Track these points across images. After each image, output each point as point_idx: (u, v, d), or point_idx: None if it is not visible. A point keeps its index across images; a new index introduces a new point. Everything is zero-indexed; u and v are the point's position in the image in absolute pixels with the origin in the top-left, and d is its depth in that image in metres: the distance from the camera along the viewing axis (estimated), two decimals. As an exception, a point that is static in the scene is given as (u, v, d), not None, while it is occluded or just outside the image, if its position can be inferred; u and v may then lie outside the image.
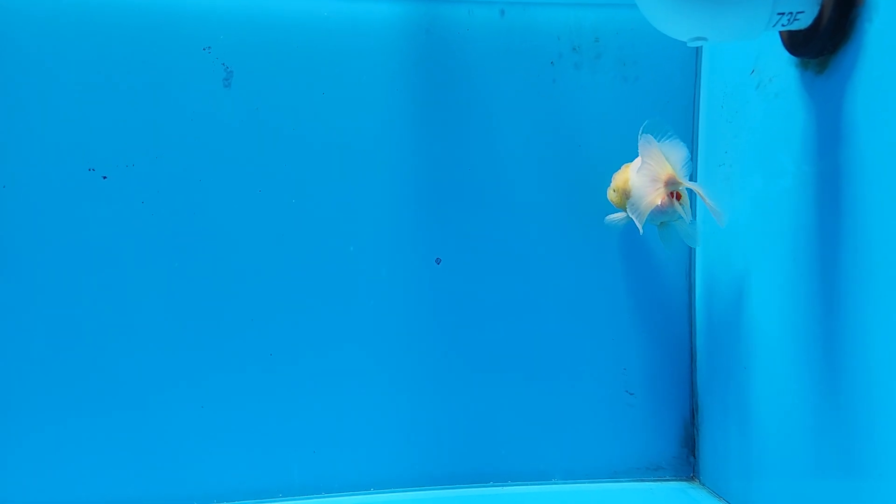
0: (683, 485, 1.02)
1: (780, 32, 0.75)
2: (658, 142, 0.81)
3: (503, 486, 1.02)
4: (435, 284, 1.01)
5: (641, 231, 0.85)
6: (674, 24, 0.69)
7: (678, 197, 0.81)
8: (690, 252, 1.03)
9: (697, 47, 1.00)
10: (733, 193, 0.91)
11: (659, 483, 1.03)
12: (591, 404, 1.02)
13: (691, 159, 0.84)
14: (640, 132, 0.81)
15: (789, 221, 0.77)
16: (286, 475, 1.00)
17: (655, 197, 0.81)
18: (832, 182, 0.69)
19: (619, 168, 0.93)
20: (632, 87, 1.02)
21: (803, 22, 0.69)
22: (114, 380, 0.95)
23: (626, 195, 0.90)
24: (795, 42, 0.73)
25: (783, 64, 0.78)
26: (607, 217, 0.96)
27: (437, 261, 1.01)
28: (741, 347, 0.89)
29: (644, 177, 0.83)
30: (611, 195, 0.95)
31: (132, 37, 0.93)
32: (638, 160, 0.85)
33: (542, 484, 1.02)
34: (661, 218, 0.84)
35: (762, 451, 0.84)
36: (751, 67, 0.86)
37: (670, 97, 1.02)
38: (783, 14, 0.68)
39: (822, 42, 0.69)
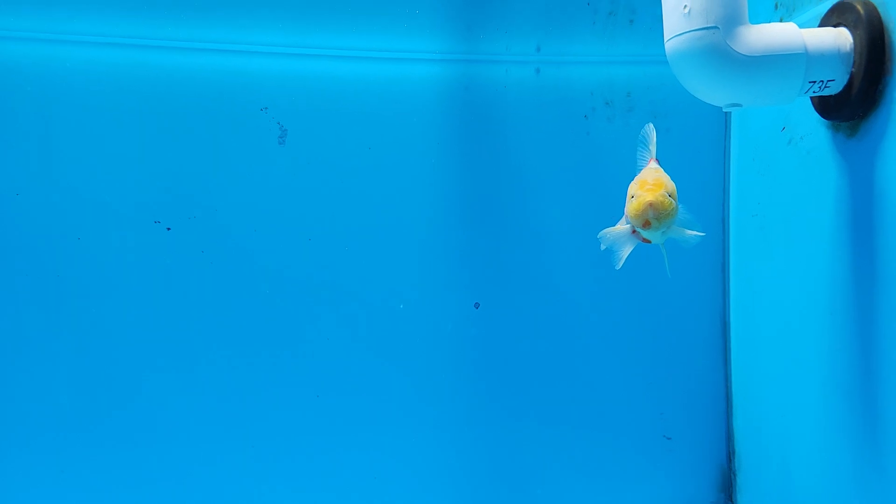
0: (720, 527, 1.04)
1: (811, 97, 0.79)
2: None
3: (542, 526, 1.05)
4: (474, 328, 1.05)
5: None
6: (710, 92, 0.74)
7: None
8: (725, 301, 1.06)
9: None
10: (769, 243, 0.94)
11: (696, 526, 1.05)
12: (629, 448, 1.05)
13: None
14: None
15: (824, 272, 0.80)
16: (326, 501, 1.03)
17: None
18: (867, 241, 0.72)
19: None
20: (663, 139, 1.05)
21: (834, 89, 0.73)
22: (181, 412, 1.01)
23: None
24: (827, 107, 0.77)
25: (814, 123, 0.82)
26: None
27: (476, 305, 1.06)
28: (778, 393, 0.91)
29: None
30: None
31: (197, 98, 0.99)
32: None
33: (579, 524, 1.05)
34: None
35: (799, 495, 0.86)
36: (781, 124, 0.90)
37: (701, 148, 1.06)
38: (815, 82, 0.72)
39: (853, 108, 0.72)
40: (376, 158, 1.03)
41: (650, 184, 0.74)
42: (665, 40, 0.73)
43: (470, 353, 1.05)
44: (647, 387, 1.06)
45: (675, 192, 0.76)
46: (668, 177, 0.77)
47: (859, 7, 0.71)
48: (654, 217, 0.73)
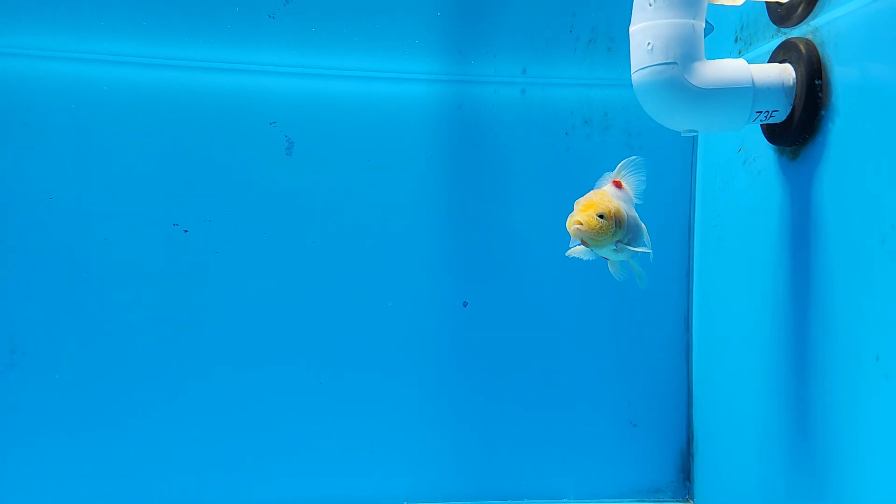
0: (681, 506, 1.15)
1: (760, 124, 0.89)
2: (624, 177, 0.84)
3: (519, 502, 1.14)
4: (462, 325, 1.14)
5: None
6: (669, 119, 0.83)
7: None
8: (689, 302, 1.16)
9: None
10: (725, 251, 1.05)
11: (659, 504, 1.15)
12: (599, 434, 1.15)
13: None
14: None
15: (770, 275, 0.89)
16: (326, 489, 1.12)
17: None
18: (803, 250, 0.83)
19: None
20: (636, 154, 1.16)
21: (778, 118, 0.82)
22: (187, 400, 1.09)
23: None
24: (773, 133, 0.87)
25: (764, 147, 0.92)
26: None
27: (465, 304, 1.15)
28: (731, 385, 1.02)
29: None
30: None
31: (212, 113, 1.08)
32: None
33: (553, 502, 1.14)
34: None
35: (747, 476, 0.96)
36: (738, 146, 1.00)
37: (671, 164, 1.16)
38: (761, 112, 0.81)
39: (794, 136, 0.81)
40: (374, 169, 1.12)
41: (583, 204, 0.79)
42: (632, 72, 0.82)
43: (457, 346, 1.14)
44: (616, 379, 1.15)
45: (618, 213, 0.79)
46: (617, 199, 0.81)
47: (801, 46, 0.80)
48: (583, 236, 0.78)
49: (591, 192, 0.82)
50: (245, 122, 1.09)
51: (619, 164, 0.86)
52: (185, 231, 1.08)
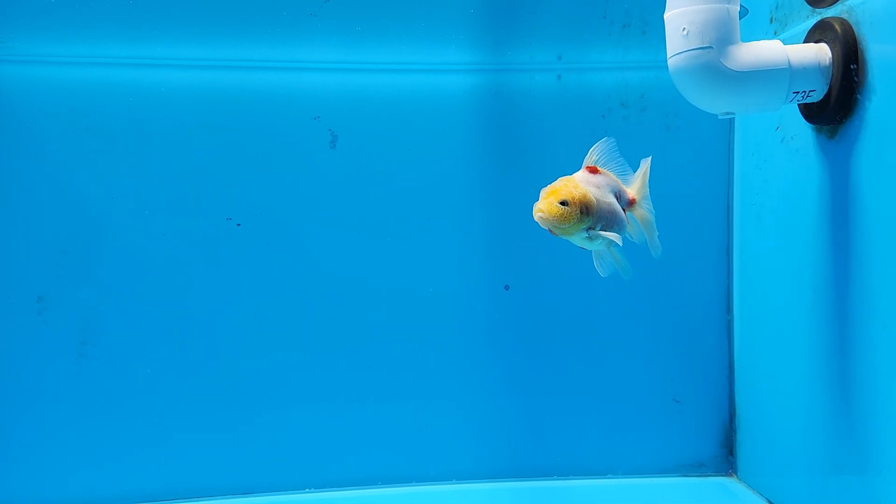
0: (723, 480, 1.16)
1: (797, 104, 0.90)
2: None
3: (566, 479, 1.17)
4: (505, 307, 1.18)
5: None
6: (706, 103, 0.84)
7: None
8: (729, 279, 1.17)
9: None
10: (764, 228, 1.06)
11: (701, 478, 1.17)
12: (642, 411, 1.17)
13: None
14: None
15: (811, 253, 0.91)
16: (381, 465, 1.17)
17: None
18: (843, 227, 0.84)
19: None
20: (674, 136, 1.17)
21: (815, 98, 0.82)
22: (248, 385, 1.15)
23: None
24: (810, 113, 0.88)
25: (802, 126, 0.92)
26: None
27: (506, 287, 1.18)
28: (773, 361, 1.03)
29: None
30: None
31: (260, 109, 1.12)
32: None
33: (599, 478, 1.17)
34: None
35: (790, 450, 0.98)
36: (776, 125, 1.01)
37: (708, 144, 1.16)
38: (798, 92, 0.82)
39: (832, 115, 0.83)
40: (416, 158, 1.15)
41: (547, 191, 0.76)
42: (668, 57, 0.84)
43: (500, 329, 1.18)
44: (658, 356, 1.17)
45: (584, 199, 0.75)
46: (589, 185, 0.78)
47: (837, 26, 0.81)
48: (547, 225, 0.75)
49: (560, 178, 0.79)
50: (291, 118, 1.13)
51: (592, 149, 0.83)
52: (238, 225, 1.13)
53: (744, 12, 0.83)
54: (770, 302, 1.04)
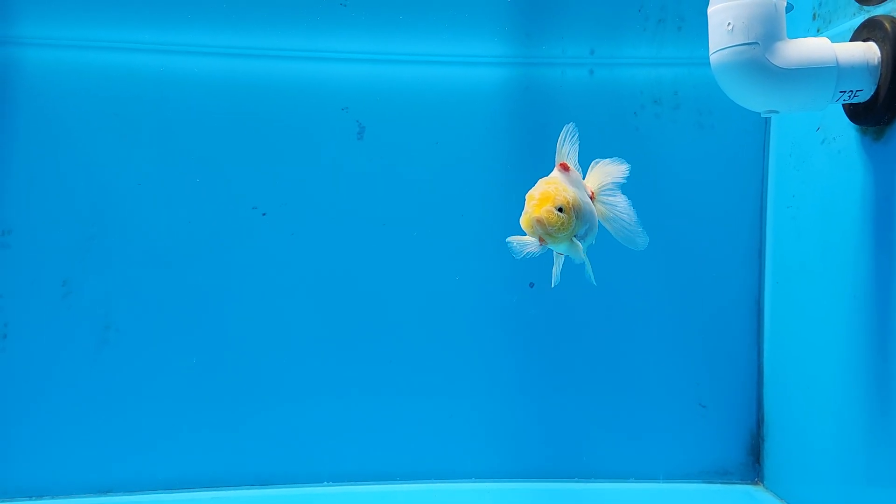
0: (749, 488, 1.14)
1: (842, 104, 0.87)
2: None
3: (587, 481, 1.16)
4: (530, 305, 1.16)
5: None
6: (750, 100, 0.82)
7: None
8: (760, 282, 1.14)
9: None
10: (801, 231, 1.03)
11: (727, 486, 1.15)
12: (668, 414, 1.15)
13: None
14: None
15: (851, 258, 0.88)
16: (397, 463, 1.16)
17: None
18: (888, 233, 0.81)
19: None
20: (707, 134, 1.15)
21: (862, 97, 0.80)
22: (267, 376, 1.14)
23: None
24: (856, 113, 0.85)
25: (845, 126, 0.90)
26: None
27: (531, 285, 1.17)
28: (805, 367, 1.01)
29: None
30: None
31: (288, 99, 1.11)
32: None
33: (621, 481, 1.15)
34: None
35: (820, 459, 0.96)
36: (817, 125, 0.98)
37: (742, 144, 1.14)
38: (845, 92, 0.80)
39: (879, 115, 0.80)
40: (443, 151, 1.14)
41: (536, 198, 0.71)
42: (710, 53, 0.81)
43: (525, 327, 1.16)
44: (684, 360, 1.15)
45: (575, 203, 0.72)
46: (570, 185, 0.73)
47: (887, 24, 0.79)
48: (542, 233, 0.71)
49: (541, 181, 0.75)
50: (318, 108, 1.12)
51: (560, 140, 0.78)
52: (264, 214, 1.12)
53: (789, 7, 0.81)
54: (804, 306, 1.01)
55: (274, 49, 1.10)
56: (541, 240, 0.73)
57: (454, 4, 1.10)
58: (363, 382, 1.15)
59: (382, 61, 1.12)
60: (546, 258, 1.16)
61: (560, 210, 0.71)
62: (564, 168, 0.78)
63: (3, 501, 1.08)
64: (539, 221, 0.71)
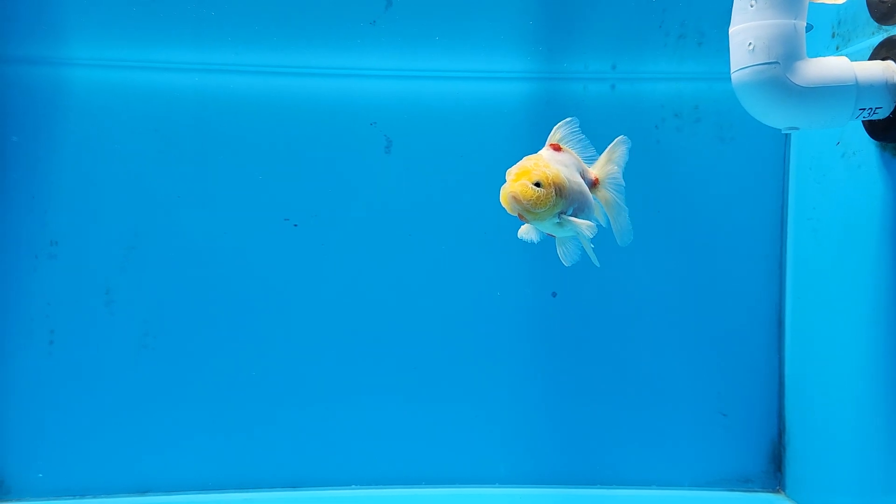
0: (770, 496, 1.15)
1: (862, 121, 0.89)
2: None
3: (607, 488, 1.17)
4: (552, 314, 1.18)
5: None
6: (771, 118, 0.84)
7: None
8: (781, 293, 1.16)
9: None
10: (821, 244, 1.05)
11: (748, 494, 1.16)
12: (688, 422, 1.16)
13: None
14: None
15: (871, 270, 0.90)
16: (421, 470, 1.18)
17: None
18: (906, 247, 0.83)
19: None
20: (728, 148, 1.17)
21: (881, 114, 0.81)
22: (297, 382, 1.17)
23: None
24: (875, 129, 0.87)
25: (865, 142, 0.92)
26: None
27: (554, 294, 1.19)
28: (826, 376, 1.02)
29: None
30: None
31: (318, 115, 1.15)
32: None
33: (641, 488, 1.17)
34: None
35: (841, 468, 0.97)
36: (837, 139, 1.00)
37: (763, 157, 1.15)
38: (864, 109, 0.81)
39: (898, 132, 0.83)
40: (468, 165, 1.17)
41: (515, 172, 0.69)
42: (731, 72, 0.83)
43: (548, 336, 1.18)
44: (706, 368, 1.16)
45: (557, 179, 0.69)
46: (556, 164, 0.71)
47: (907, 43, 0.81)
48: (521, 209, 0.68)
49: (526, 157, 0.72)
50: (347, 123, 1.15)
51: (556, 126, 0.78)
52: (295, 225, 1.16)
53: (809, 27, 0.83)
54: (825, 317, 1.03)
55: (306, 67, 1.14)
56: (520, 216, 0.70)
57: (478, 23, 1.13)
58: (391, 388, 1.18)
59: (409, 77, 1.15)
60: (566, 271, 1.18)
61: (538, 185, 0.68)
62: (556, 148, 0.76)
63: (46, 500, 1.12)
64: (515, 196, 0.68)
